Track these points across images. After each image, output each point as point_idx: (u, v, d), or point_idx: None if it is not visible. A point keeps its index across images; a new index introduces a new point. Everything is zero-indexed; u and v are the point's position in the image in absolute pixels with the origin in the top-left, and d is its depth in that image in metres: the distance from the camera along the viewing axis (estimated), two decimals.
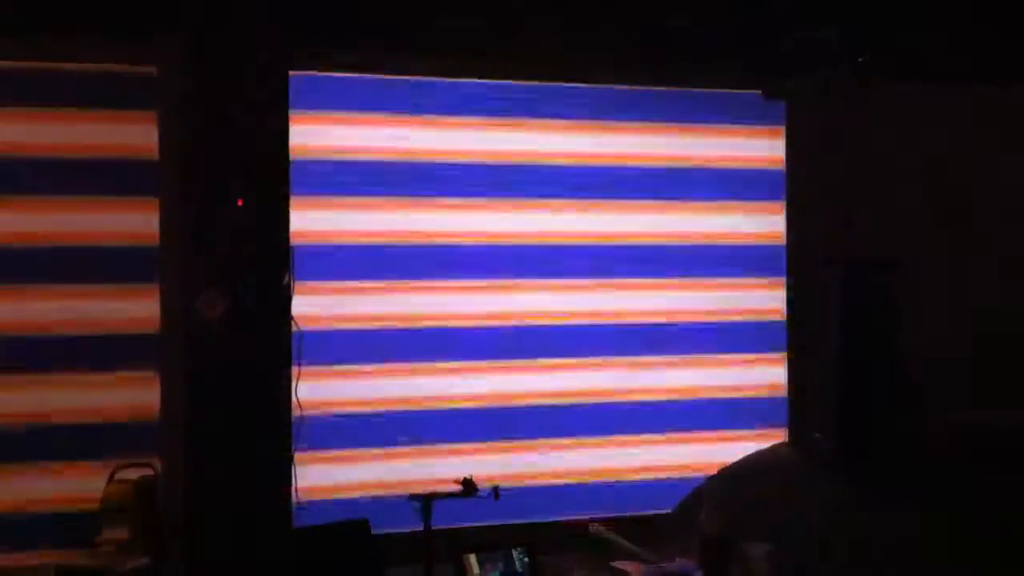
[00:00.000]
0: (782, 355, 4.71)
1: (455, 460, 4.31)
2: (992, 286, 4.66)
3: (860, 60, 4.50)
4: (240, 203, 3.77)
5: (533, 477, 4.45)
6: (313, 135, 4.11)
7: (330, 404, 4.18)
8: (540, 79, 4.43)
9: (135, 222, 3.99)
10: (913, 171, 4.63)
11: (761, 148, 4.75)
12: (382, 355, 4.25)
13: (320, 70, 4.05)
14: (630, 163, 4.61)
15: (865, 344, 4.35)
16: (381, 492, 4.21)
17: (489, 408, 4.42)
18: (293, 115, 4.00)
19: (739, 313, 4.72)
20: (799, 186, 4.68)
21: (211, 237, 3.83)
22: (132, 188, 3.98)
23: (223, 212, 3.82)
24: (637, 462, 4.56)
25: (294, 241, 3.96)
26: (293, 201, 4.00)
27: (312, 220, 4.12)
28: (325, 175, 4.14)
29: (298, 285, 3.97)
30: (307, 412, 4.03)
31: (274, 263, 3.89)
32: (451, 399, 4.36)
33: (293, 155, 4.01)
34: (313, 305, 4.09)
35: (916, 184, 4.63)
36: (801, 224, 4.67)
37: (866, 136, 4.62)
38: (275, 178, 3.91)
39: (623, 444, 4.56)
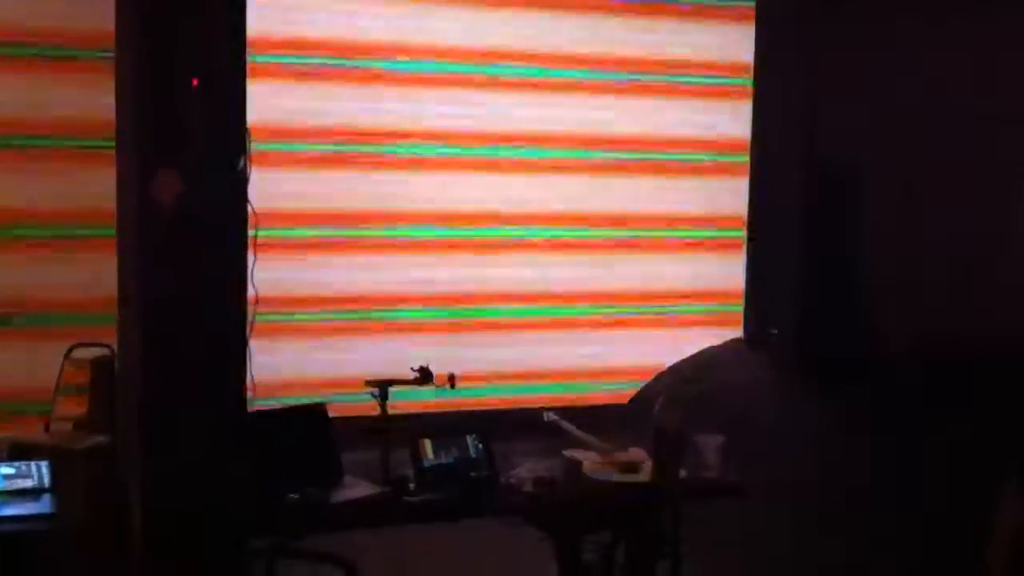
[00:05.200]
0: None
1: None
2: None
3: None
4: (196, 83, 3.68)
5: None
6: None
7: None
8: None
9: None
10: (885, 69, 4.58)
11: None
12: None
13: None
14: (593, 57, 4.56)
15: (827, 243, 4.37)
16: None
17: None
18: None
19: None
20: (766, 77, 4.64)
21: (166, 118, 3.76)
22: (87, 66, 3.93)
23: (179, 92, 3.73)
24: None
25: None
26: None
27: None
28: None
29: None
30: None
31: (230, 145, 3.82)
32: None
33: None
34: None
35: (888, 83, 4.58)
36: (766, 119, 4.63)
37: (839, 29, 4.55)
38: (232, 57, 3.82)
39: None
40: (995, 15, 4.44)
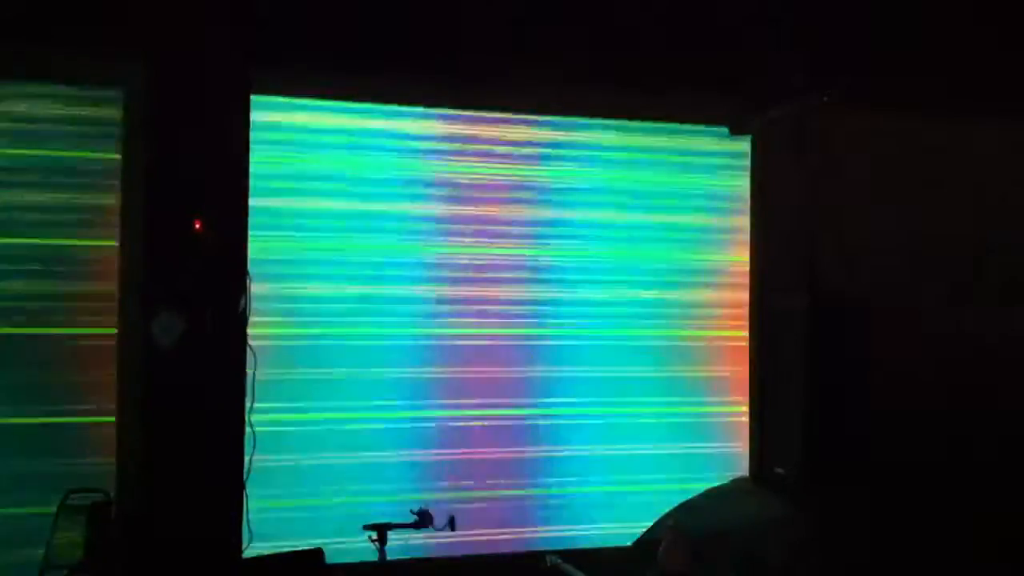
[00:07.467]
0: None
1: None
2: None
3: (825, 98, 4.51)
4: (198, 225, 3.73)
5: None
6: None
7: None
8: (506, 110, 4.43)
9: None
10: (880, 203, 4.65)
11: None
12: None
13: (282, 94, 4.03)
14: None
15: (832, 379, 4.36)
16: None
17: None
18: None
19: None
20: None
21: (170, 260, 3.79)
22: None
23: (182, 235, 3.78)
24: None
25: None
26: None
27: None
28: None
29: None
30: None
31: (232, 287, 3.84)
32: None
33: None
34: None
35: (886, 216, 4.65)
36: (766, 257, 4.67)
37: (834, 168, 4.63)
38: (235, 202, 3.88)
39: None
40: None
